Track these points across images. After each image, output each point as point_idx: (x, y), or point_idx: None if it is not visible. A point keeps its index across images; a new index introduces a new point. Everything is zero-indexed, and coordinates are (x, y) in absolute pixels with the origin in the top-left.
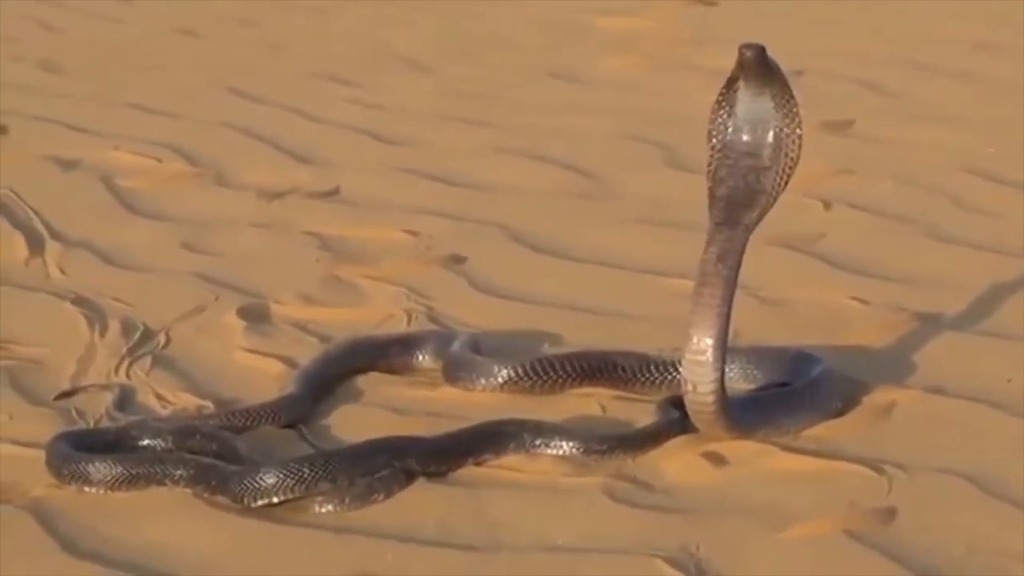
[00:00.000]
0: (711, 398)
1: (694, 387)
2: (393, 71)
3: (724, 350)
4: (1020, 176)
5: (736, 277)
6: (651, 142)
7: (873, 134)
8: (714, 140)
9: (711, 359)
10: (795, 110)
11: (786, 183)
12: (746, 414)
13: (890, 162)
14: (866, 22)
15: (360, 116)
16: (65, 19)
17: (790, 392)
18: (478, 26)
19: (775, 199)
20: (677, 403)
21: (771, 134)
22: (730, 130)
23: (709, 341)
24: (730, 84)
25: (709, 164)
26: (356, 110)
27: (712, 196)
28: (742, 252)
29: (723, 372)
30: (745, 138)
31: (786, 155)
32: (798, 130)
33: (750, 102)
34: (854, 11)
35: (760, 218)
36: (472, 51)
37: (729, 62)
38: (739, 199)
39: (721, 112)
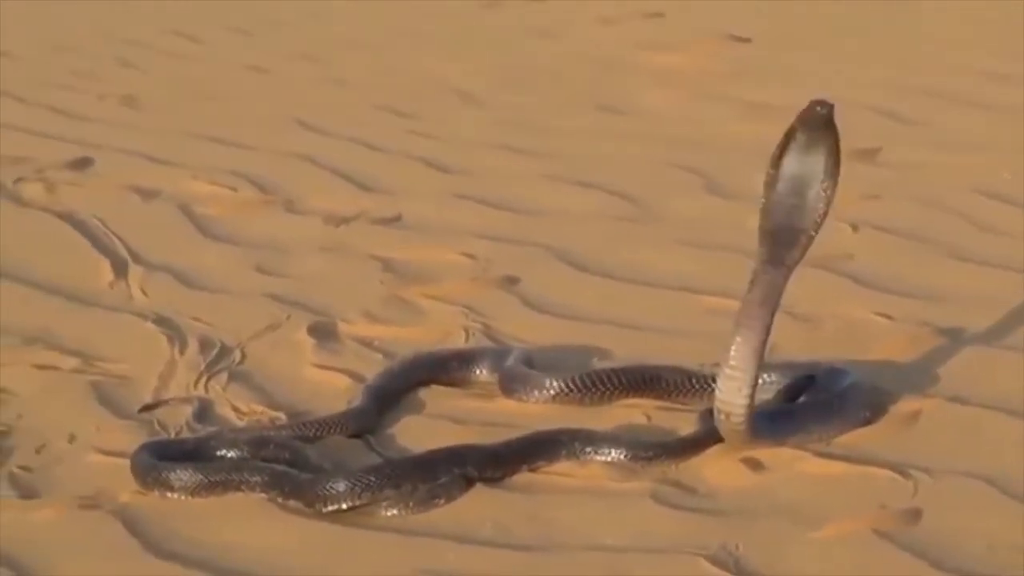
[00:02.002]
0: (743, 426)
1: (727, 416)
2: (449, 103)
3: (756, 381)
4: None
5: (773, 317)
6: (690, 169)
7: (897, 160)
8: (770, 188)
9: (744, 391)
10: (840, 161)
11: (823, 222)
12: (773, 425)
13: (913, 187)
14: (889, 57)
15: (418, 146)
16: (143, 57)
17: (819, 403)
18: (529, 61)
19: (814, 238)
20: None
21: (819, 182)
22: (784, 179)
23: (743, 375)
24: (791, 133)
25: (762, 206)
26: (415, 140)
27: (762, 233)
28: (782, 291)
29: (753, 399)
30: (795, 185)
31: (827, 199)
32: (838, 178)
33: (805, 154)
34: (878, 46)
35: (802, 256)
36: (523, 84)
37: (763, 95)
38: (785, 239)
39: (782, 159)
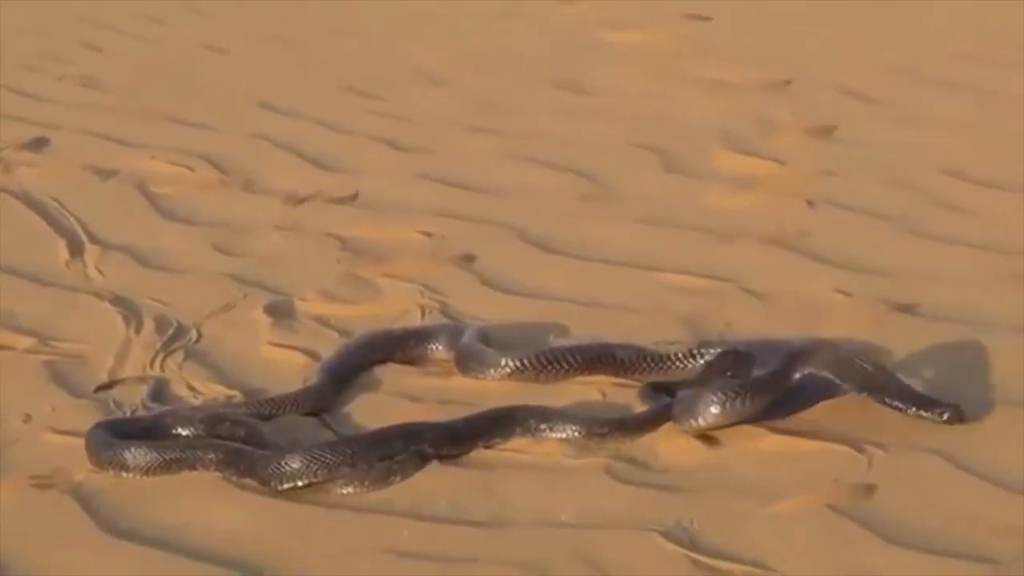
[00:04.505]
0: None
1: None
2: (411, 84)
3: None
4: (996, 176)
5: None
6: (649, 147)
7: (855, 138)
8: None
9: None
10: None
11: None
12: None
13: (871, 164)
14: (854, 36)
15: (378, 126)
16: (108, 39)
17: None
18: (492, 42)
19: None
20: (661, 388)
21: None
22: None
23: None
24: None
25: None
26: (375, 120)
27: None
28: None
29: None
30: None
31: None
32: None
33: None
34: (842, 26)
35: None
36: (485, 65)
37: (723, 74)
38: None
39: None
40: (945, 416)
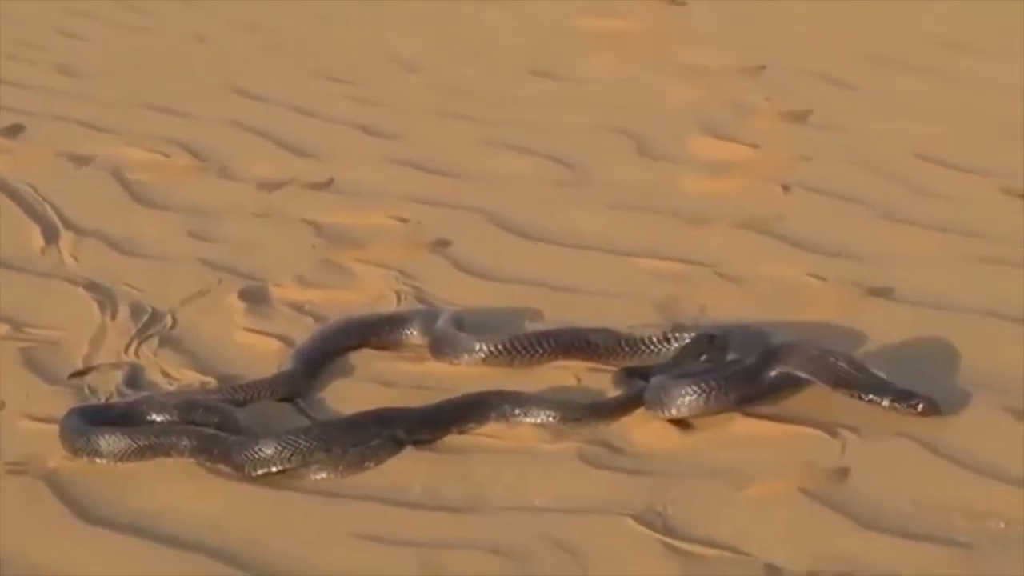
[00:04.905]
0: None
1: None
2: (387, 70)
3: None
4: (968, 162)
5: None
6: (625, 133)
7: (830, 123)
8: None
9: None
10: None
11: None
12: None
13: (846, 149)
14: (828, 22)
15: (355, 112)
16: (83, 26)
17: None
18: (470, 29)
19: None
20: (635, 373)
21: None
22: None
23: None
24: None
25: None
26: (351, 106)
27: None
28: None
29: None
30: None
31: None
32: None
33: None
34: (822, 11)
35: None
36: (463, 52)
37: (700, 59)
38: None
39: None
40: (920, 408)
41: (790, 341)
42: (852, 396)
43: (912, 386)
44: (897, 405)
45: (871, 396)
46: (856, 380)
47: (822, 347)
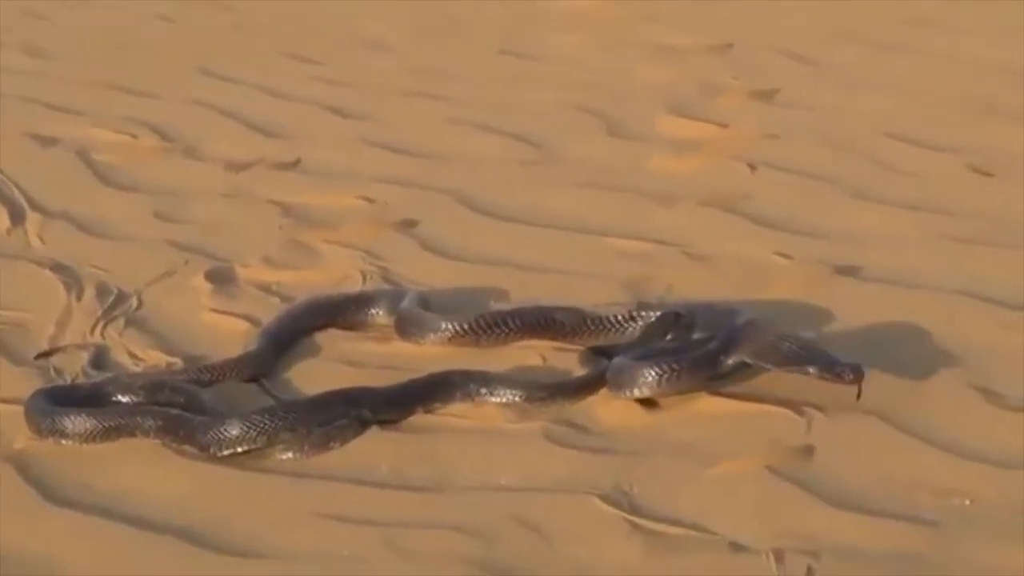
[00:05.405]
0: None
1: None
2: (355, 51)
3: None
4: (937, 139)
5: None
6: (593, 112)
7: (798, 101)
8: None
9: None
10: None
11: None
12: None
13: (813, 127)
14: (797, 0)
15: (323, 93)
16: (50, 7)
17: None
18: (437, 8)
19: None
20: (601, 352)
21: None
22: None
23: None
24: None
25: None
26: (318, 87)
27: None
28: None
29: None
30: None
31: None
32: None
33: None
34: None
35: None
36: (433, 33)
37: (668, 38)
38: None
39: None
40: (849, 377)
41: (749, 326)
42: (790, 371)
43: (863, 360)
44: (826, 375)
45: (805, 367)
46: (794, 355)
47: (777, 333)
